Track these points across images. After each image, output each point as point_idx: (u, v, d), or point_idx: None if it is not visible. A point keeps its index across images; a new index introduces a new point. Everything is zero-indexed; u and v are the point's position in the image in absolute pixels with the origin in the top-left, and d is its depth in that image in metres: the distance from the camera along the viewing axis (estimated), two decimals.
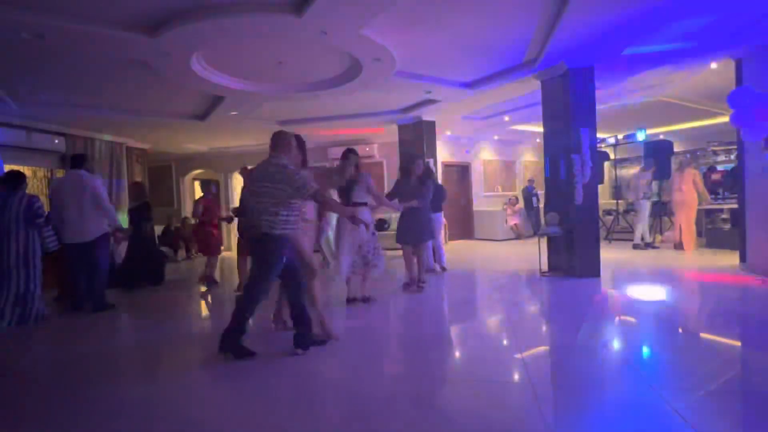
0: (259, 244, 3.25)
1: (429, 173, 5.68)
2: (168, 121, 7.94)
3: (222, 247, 6.98)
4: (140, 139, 9.46)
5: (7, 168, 6.96)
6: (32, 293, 4.57)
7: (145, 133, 8.99)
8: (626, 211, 9.53)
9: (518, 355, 3.18)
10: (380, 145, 10.65)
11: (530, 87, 6.57)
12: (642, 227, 8.31)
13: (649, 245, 8.29)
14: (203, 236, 6.53)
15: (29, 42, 4.25)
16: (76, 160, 5.13)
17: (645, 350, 3.29)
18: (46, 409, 2.66)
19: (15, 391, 2.98)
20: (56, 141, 7.73)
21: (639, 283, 5.67)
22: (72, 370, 3.30)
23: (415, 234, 5.33)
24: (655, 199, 9.32)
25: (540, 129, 6.84)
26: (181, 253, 9.72)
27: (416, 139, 8.69)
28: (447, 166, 11.08)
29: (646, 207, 8.31)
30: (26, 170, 7.84)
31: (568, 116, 5.74)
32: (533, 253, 6.64)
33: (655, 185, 9.67)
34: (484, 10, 4.30)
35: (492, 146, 12.44)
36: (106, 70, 5.33)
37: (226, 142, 10.47)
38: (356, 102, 7.35)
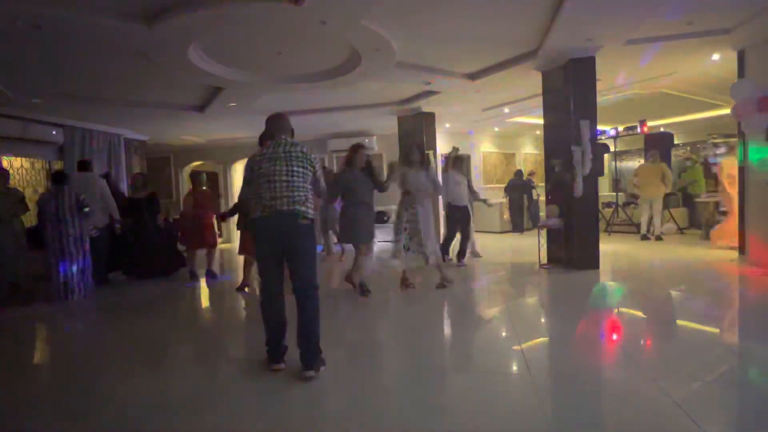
0: None
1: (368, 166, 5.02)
2: (166, 113, 7.88)
3: (220, 239, 6.86)
4: (139, 130, 9.40)
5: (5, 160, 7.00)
6: (88, 269, 5.48)
7: (143, 125, 8.93)
8: (626, 204, 9.52)
9: (517, 347, 3.19)
10: (380, 137, 10.61)
11: (531, 78, 6.53)
12: (643, 219, 8.29)
13: (644, 236, 8.26)
14: (197, 230, 6.37)
15: (25, 32, 4.20)
16: (86, 164, 6.41)
17: (643, 341, 3.30)
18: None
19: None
20: (54, 132, 7.68)
21: (637, 275, 5.67)
22: None
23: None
24: None
25: (540, 121, 6.80)
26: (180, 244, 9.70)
27: (416, 130, 8.64)
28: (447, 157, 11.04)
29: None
30: (23, 162, 7.83)
31: (569, 107, 5.71)
32: (533, 246, 6.64)
33: None
34: None
35: (491, 138, 12.39)
36: (104, 61, 5.27)
37: (224, 133, 10.41)
38: (355, 93, 7.29)
